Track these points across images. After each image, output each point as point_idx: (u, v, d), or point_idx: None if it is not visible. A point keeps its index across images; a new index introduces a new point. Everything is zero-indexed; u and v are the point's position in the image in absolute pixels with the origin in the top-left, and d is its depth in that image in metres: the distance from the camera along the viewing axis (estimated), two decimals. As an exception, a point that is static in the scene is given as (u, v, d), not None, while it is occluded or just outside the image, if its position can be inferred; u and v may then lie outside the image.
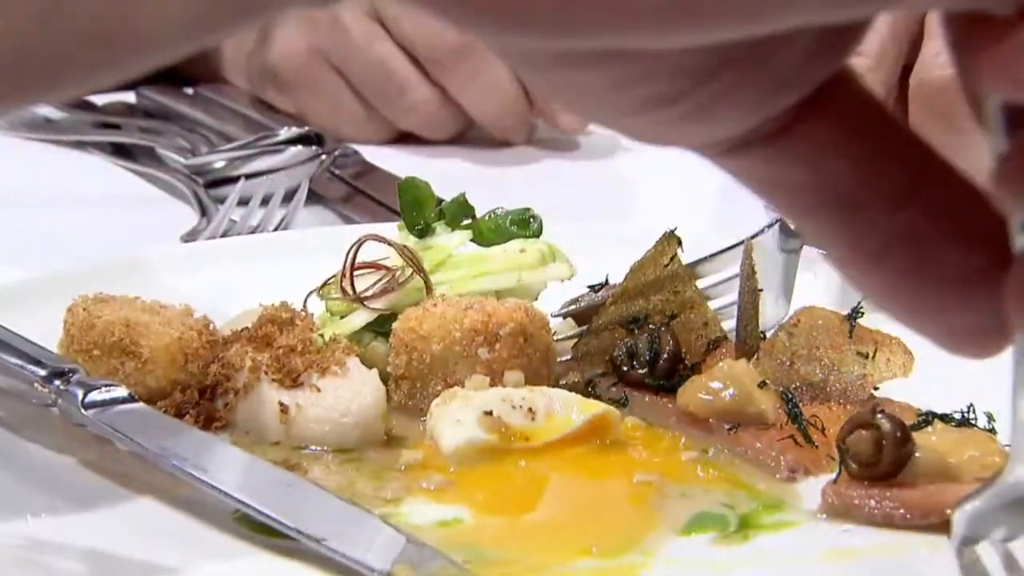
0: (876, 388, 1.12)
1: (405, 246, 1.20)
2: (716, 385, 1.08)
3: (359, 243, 1.18)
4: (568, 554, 0.95)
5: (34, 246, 1.50)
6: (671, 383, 1.11)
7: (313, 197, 1.65)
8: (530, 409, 1.08)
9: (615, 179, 1.84)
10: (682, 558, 0.95)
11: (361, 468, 1.06)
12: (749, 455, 1.06)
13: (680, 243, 1.17)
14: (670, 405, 1.11)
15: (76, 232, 1.57)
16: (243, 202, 1.60)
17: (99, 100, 1.95)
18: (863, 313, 1.13)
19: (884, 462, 0.97)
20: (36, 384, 1.05)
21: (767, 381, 1.09)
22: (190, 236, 1.52)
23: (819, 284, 1.32)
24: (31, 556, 0.93)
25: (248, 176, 1.62)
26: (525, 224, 1.24)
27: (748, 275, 1.14)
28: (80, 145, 1.84)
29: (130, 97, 1.96)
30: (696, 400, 1.08)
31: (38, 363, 1.07)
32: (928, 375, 1.14)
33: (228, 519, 0.97)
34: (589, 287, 1.23)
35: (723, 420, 1.08)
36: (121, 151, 1.82)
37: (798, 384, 1.10)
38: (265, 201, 1.59)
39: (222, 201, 1.61)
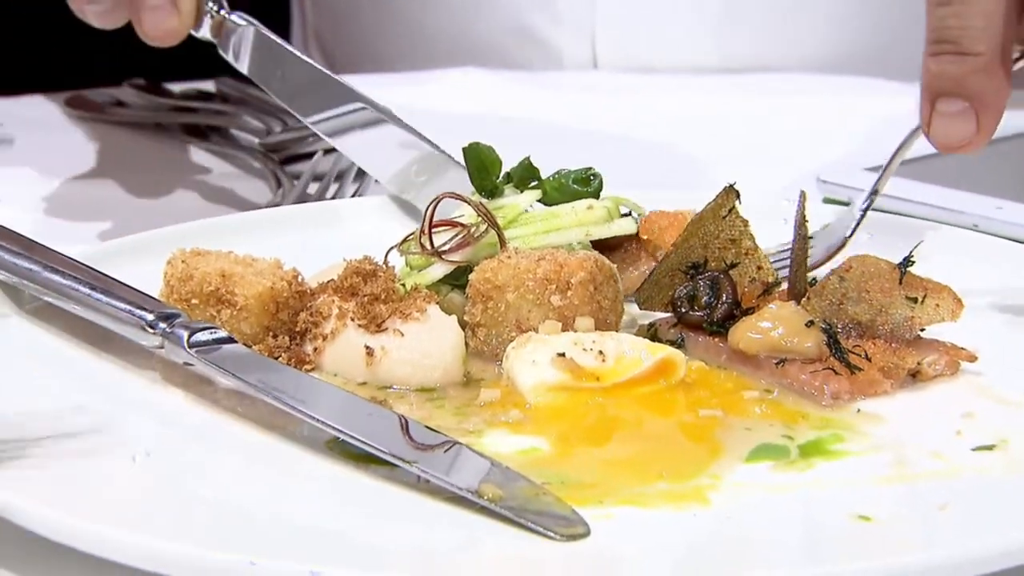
0: (923, 329, 1.19)
1: (480, 202, 1.27)
2: (765, 324, 1.16)
3: (437, 201, 1.26)
4: (641, 478, 1.01)
5: (124, 217, 1.59)
6: (726, 326, 1.19)
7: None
8: (600, 351, 1.15)
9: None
10: (747, 482, 1.01)
11: (443, 405, 1.14)
12: (795, 386, 1.14)
13: (739, 196, 1.24)
14: (722, 345, 1.18)
15: (160, 206, 1.66)
16: (318, 177, 1.68)
17: (176, 87, 2.04)
18: (914, 262, 1.20)
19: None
20: (144, 328, 1.13)
21: (814, 320, 1.16)
22: (269, 208, 1.60)
23: (873, 243, 1.40)
24: (148, 485, 1.00)
25: (323, 152, 1.70)
26: (586, 182, 1.32)
27: (800, 223, 1.21)
28: (158, 128, 1.94)
29: (208, 85, 2.05)
30: (746, 338, 1.16)
31: (144, 308, 1.15)
32: (976, 321, 1.22)
33: (322, 446, 1.04)
34: None
35: (771, 356, 1.15)
36: (197, 133, 1.91)
37: (847, 323, 1.17)
38: (339, 176, 1.67)
39: (297, 177, 1.69)
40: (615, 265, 1.25)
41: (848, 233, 1.38)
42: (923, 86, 1.25)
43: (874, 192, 1.38)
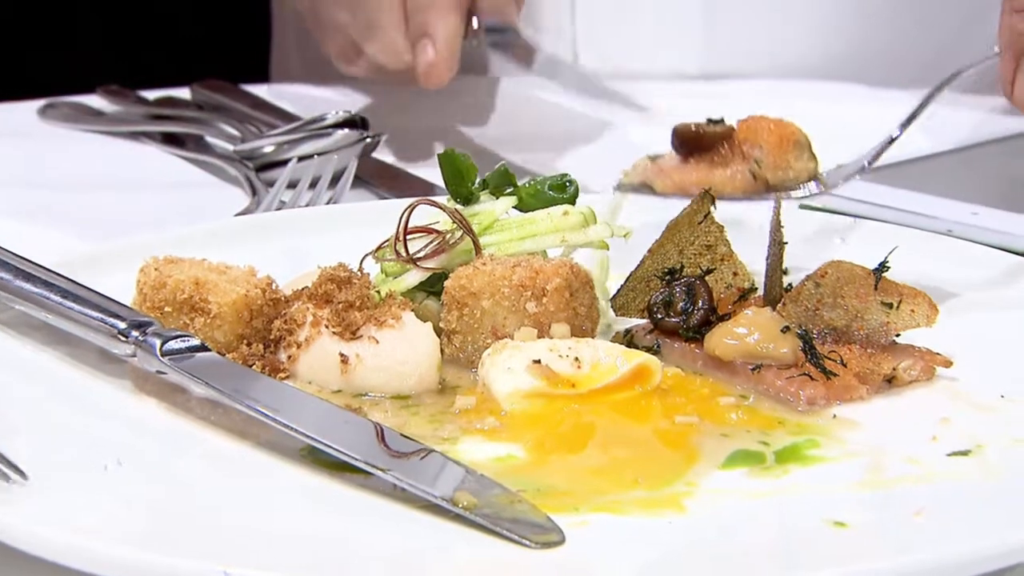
0: (898, 335, 1.19)
1: (456, 209, 1.27)
2: (741, 330, 1.16)
3: (412, 207, 1.26)
4: (616, 485, 1.01)
5: (98, 225, 1.58)
6: (702, 332, 1.18)
7: (357, 180, 1.72)
8: (576, 358, 1.14)
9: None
10: (723, 489, 1.01)
11: (418, 413, 1.13)
12: (771, 392, 1.14)
13: (714, 202, 1.24)
14: (698, 351, 1.18)
15: (135, 214, 1.65)
16: (292, 184, 1.67)
17: (150, 95, 2.03)
18: (889, 268, 1.20)
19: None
20: (117, 336, 1.12)
21: (790, 326, 1.16)
22: (243, 215, 1.59)
23: (848, 248, 1.40)
24: (120, 494, 0.99)
25: (297, 159, 1.69)
26: (562, 188, 1.32)
27: (775, 228, 1.21)
28: (133, 136, 1.93)
29: (184, 93, 2.04)
30: (722, 344, 1.16)
31: (117, 317, 1.14)
32: (951, 326, 1.22)
33: (296, 454, 1.04)
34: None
35: (747, 362, 1.15)
36: (172, 140, 1.90)
37: (823, 329, 1.17)
38: (313, 183, 1.66)
39: (272, 184, 1.68)
40: (705, 165, 1.26)
41: (866, 163, 1.37)
42: (1006, 45, 1.24)
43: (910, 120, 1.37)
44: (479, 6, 1.85)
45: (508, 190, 1.34)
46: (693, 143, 1.32)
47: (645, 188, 1.35)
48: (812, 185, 1.35)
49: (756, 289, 1.24)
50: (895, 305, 1.18)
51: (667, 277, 1.23)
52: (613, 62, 2.37)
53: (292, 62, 2.63)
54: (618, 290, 1.25)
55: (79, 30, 3.26)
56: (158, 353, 1.10)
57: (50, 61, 2.85)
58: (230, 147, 1.82)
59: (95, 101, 2.05)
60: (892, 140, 1.35)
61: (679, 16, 2.33)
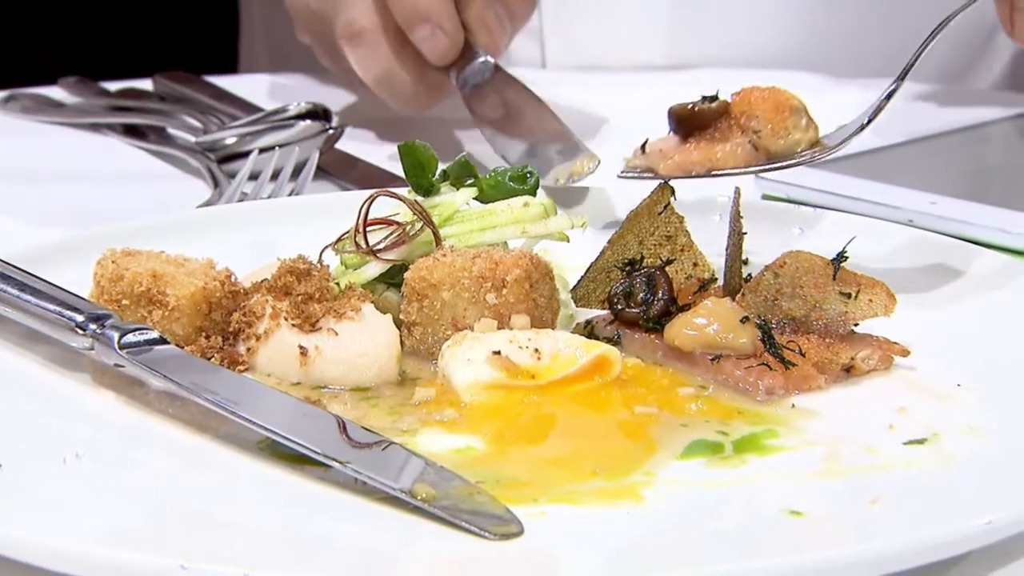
0: (856, 325, 1.19)
1: (416, 200, 1.27)
2: (700, 321, 1.17)
3: (371, 199, 1.26)
4: (575, 476, 1.01)
5: (58, 217, 1.58)
6: (662, 323, 1.19)
7: (320, 171, 1.72)
8: (536, 349, 1.15)
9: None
10: (681, 479, 1.02)
11: (377, 404, 1.13)
12: (730, 382, 1.14)
13: (673, 192, 1.24)
14: (658, 341, 1.19)
15: (95, 205, 1.64)
16: (254, 176, 1.67)
17: (112, 86, 2.02)
18: (847, 257, 1.20)
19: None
20: (74, 329, 1.12)
21: (749, 316, 1.16)
22: (205, 207, 1.59)
23: (807, 238, 1.41)
24: (79, 487, 0.99)
25: (259, 150, 1.69)
26: (523, 179, 1.32)
27: (735, 219, 1.22)
28: (94, 127, 1.92)
29: (146, 84, 2.03)
30: (682, 335, 1.16)
31: (75, 309, 1.13)
32: (909, 316, 1.22)
33: (255, 447, 1.03)
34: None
35: (706, 352, 1.15)
36: (133, 132, 1.89)
37: (781, 319, 1.18)
38: (275, 175, 1.66)
39: (234, 176, 1.67)
40: (705, 142, 1.27)
41: (866, 120, 1.36)
42: None
43: (899, 79, 1.36)
44: (469, 22, 1.79)
45: (469, 181, 1.34)
46: (690, 122, 1.32)
47: (648, 172, 1.35)
48: (814, 150, 1.34)
49: (716, 279, 1.24)
50: (853, 295, 1.18)
51: (627, 268, 1.23)
52: (579, 53, 2.37)
53: (259, 51, 2.62)
54: (578, 281, 1.26)
55: (77, 25, 3.22)
56: (116, 346, 1.10)
57: (13, 52, 2.83)
58: (192, 138, 1.81)
59: (56, 92, 2.04)
60: (890, 94, 1.34)
61: (645, 6, 2.34)
